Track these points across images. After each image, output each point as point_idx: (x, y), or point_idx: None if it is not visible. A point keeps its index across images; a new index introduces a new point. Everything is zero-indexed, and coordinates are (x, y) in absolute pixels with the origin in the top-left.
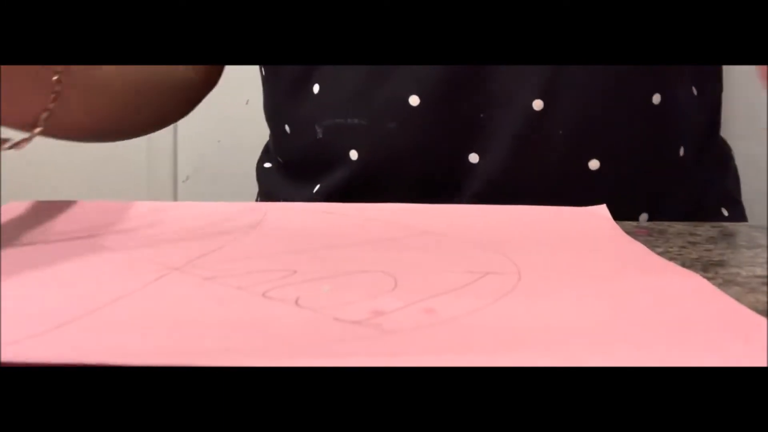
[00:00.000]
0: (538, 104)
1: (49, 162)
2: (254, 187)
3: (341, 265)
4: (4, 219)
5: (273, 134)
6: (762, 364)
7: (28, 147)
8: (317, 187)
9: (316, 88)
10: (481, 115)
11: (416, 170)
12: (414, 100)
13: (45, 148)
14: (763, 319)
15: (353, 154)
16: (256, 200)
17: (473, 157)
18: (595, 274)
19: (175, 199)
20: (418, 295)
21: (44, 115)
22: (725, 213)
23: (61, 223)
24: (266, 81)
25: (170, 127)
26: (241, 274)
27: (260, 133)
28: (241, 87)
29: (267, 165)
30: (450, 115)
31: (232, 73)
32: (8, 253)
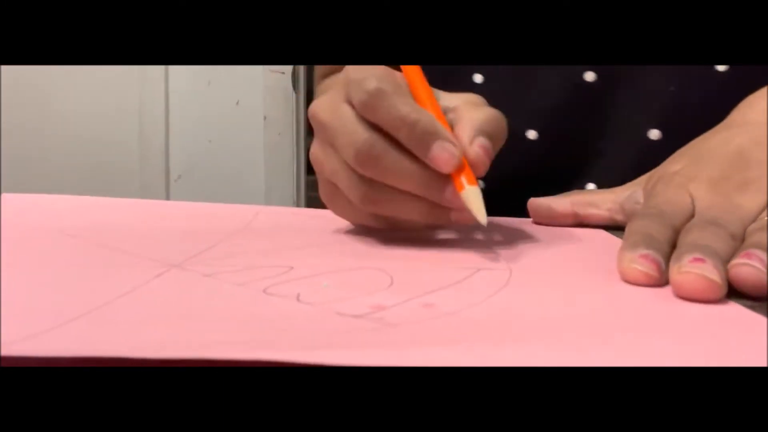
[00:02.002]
0: (654, 134)
1: (41, 159)
2: (245, 186)
3: (336, 261)
4: None
5: None
6: (762, 363)
7: (19, 145)
8: None
9: None
10: (597, 144)
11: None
12: (532, 134)
13: (38, 146)
14: (762, 318)
15: (480, 183)
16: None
17: (590, 186)
18: (587, 269)
19: (168, 197)
20: (415, 291)
21: None
22: None
23: (58, 218)
24: None
25: (162, 127)
26: (240, 270)
27: (250, 133)
28: (231, 88)
29: None
30: (567, 145)
31: (222, 75)
32: (4, 248)
